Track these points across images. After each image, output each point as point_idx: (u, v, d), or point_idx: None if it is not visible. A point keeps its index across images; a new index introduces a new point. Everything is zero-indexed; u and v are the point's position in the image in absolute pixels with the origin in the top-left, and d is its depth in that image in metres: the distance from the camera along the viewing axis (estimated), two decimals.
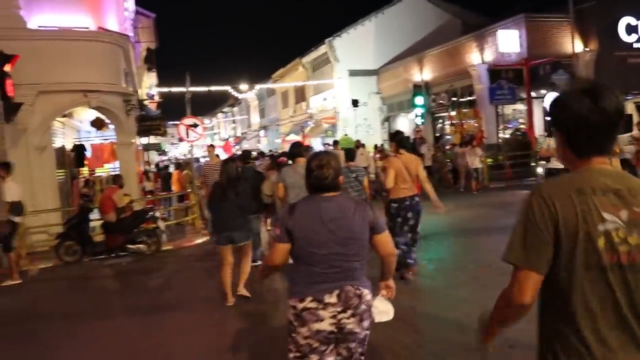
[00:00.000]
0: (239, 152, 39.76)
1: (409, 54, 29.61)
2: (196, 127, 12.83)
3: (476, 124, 20.42)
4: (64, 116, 12.50)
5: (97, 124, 13.18)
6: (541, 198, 1.65)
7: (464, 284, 6.53)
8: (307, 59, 36.12)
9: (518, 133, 21.72)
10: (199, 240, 11.30)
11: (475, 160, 16.23)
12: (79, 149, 13.45)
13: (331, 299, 2.75)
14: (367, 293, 2.86)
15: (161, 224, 10.00)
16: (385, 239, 2.97)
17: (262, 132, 50.50)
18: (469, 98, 23.20)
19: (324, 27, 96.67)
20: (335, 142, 19.09)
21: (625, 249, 1.59)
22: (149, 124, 13.03)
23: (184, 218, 13.04)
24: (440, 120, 26.90)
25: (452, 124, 21.93)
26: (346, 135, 29.87)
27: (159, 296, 7.43)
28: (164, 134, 13.20)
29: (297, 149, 6.73)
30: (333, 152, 3.53)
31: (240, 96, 35.73)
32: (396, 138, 6.91)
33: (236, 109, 62.20)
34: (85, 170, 14.09)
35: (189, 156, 54.68)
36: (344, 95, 31.54)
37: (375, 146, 21.82)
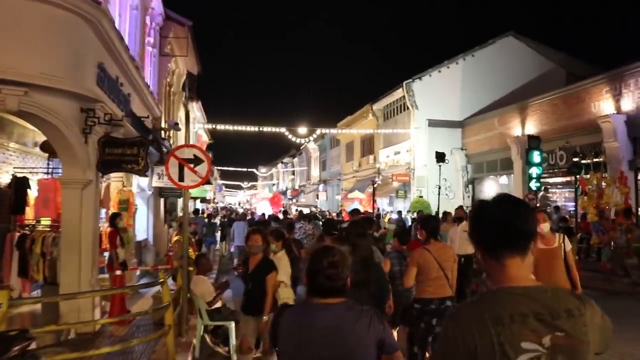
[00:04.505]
0: (299, 209, 34.75)
1: (502, 105, 24.13)
2: (198, 165, 7.58)
3: (621, 194, 14.28)
4: None
5: (50, 148, 8.31)
6: (459, 327, 1.57)
7: None
8: (379, 105, 31.13)
9: None
10: None
11: None
12: (22, 184, 8.54)
13: None
14: None
15: None
16: None
17: (321, 187, 45.55)
18: (595, 160, 17.23)
19: (402, 74, 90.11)
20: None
21: None
22: (119, 152, 7.65)
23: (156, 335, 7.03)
24: (546, 186, 20.96)
25: (583, 193, 15.68)
26: (421, 197, 24.53)
27: None
28: (142, 171, 7.78)
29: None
30: (341, 249, 2.70)
31: (299, 141, 30.90)
32: (428, 225, 5.65)
33: (296, 160, 58.14)
34: (28, 219, 8.99)
35: (246, 207, 49.63)
36: (421, 149, 26.20)
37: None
